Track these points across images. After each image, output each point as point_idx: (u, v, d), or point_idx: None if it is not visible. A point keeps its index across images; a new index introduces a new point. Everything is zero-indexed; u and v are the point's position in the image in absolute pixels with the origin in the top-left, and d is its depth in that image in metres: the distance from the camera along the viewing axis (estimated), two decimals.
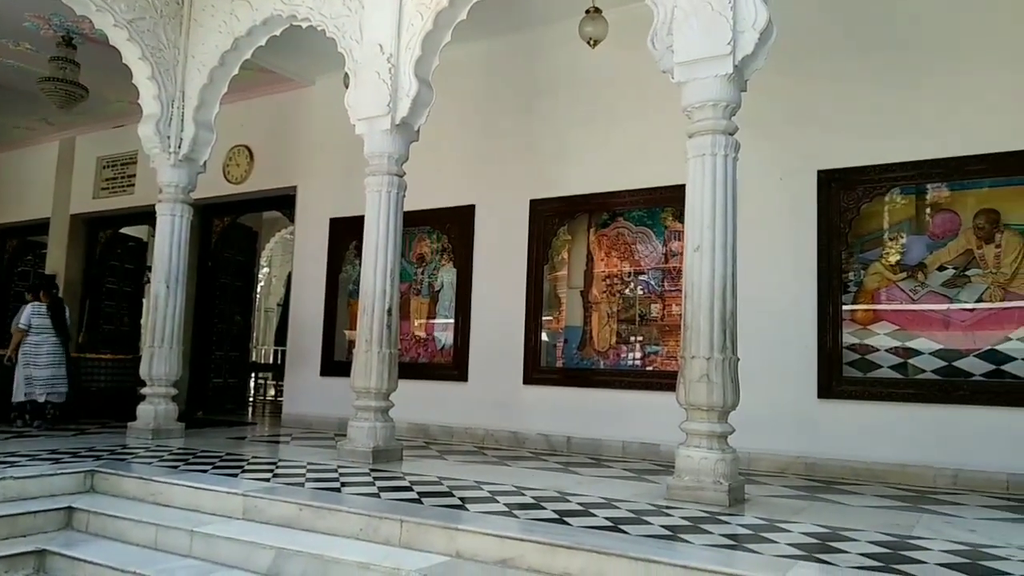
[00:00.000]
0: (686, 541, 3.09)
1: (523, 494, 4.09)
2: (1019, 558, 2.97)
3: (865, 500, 4.33)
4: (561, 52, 6.73)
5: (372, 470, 4.77)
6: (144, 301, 10.49)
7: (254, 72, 7.64)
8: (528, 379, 6.69)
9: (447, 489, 4.21)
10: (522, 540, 3.10)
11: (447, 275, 7.39)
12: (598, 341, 6.56)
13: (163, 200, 6.51)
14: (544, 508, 3.71)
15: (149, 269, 8.14)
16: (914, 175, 5.35)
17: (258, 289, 13.06)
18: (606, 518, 3.51)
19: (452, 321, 7.23)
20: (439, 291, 7.43)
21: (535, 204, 6.82)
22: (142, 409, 6.34)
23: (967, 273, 5.17)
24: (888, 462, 5.12)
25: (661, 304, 6.31)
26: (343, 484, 4.28)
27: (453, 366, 7.13)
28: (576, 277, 6.77)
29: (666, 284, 6.28)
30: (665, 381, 5.70)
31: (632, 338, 6.42)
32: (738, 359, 3.98)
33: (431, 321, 7.44)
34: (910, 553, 3.00)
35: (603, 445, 6.17)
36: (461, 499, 3.93)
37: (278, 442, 6.61)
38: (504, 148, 7.05)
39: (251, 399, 11.55)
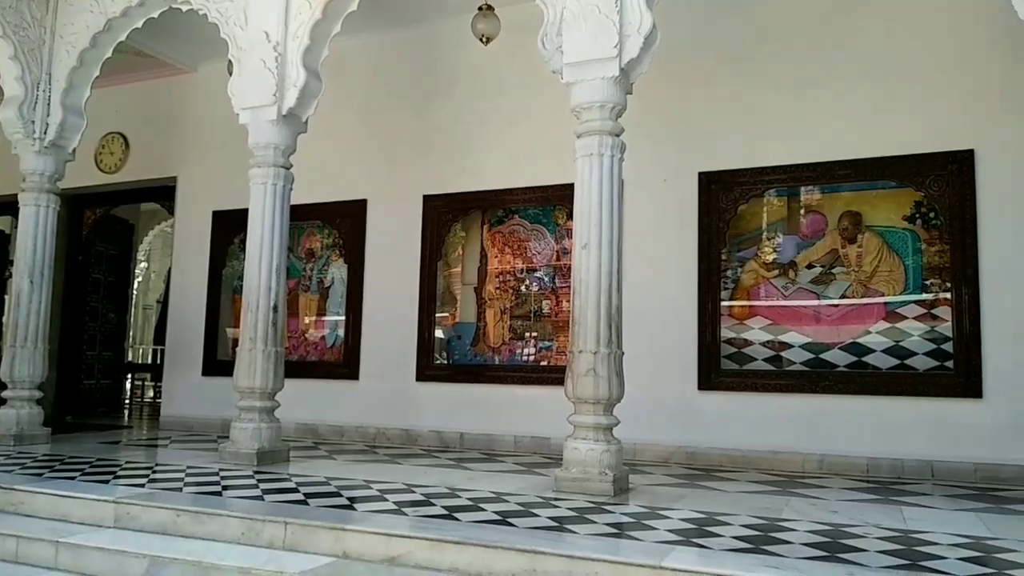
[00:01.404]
0: (572, 531, 3.16)
1: (413, 491, 4.07)
2: (874, 535, 3.21)
3: (740, 486, 4.56)
4: (454, 48, 6.72)
5: (256, 472, 4.62)
6: (6, 297, 9.73)
7: (130, 56, 7.20)
8: (421, 376, 6.66)
9: (335, 489, 4.13)
10: (410, 537, 3.08)
11: (338, 271, 7.24)
12: (492, 337, 6.60)
13: (27, 189, 6.07)
14: (434, 505, 3.70)
15: (11, 263, 7.56)
16: (787, 178, 5.66)
17: (135, 285, 12.37)
18: (495, 512, 3.54)
19: (343, 318, 7.09)
20: (329, 287, 7.28)
21: (428, 200, 6.78)
22: (2, 413, 5.88)
23: (832, 271, 5.54)
24: (762, 449, 5.41)
25: (554, 300, 6.42)
26: (225, 487, 4.13)
27: (344, 364, 7.00)
28: (470, 274, 6.78)
29: (558, 281, 6.39)
30: (557, 376, 5.78)
31: (526, 334, 6.49)
32: (623, 353, 4.11)
33: (321, 318, 7.27)
34: (778, 534, 3.18)
35: (496, 440, 6.22)
36: (349, 499, 3.87)
37: (156, 446, 6.29)
38: (397, 143, 6.97)
39: (127, 401, 10.95)
